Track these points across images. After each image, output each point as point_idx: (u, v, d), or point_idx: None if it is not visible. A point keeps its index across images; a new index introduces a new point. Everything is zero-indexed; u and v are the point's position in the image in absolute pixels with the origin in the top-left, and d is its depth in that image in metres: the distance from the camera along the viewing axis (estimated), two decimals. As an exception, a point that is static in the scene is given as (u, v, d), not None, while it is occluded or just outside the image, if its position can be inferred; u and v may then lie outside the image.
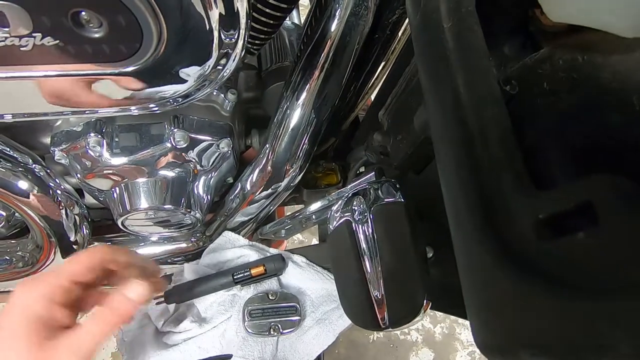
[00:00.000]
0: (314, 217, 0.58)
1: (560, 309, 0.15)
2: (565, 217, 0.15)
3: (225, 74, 0.38)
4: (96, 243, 0.70)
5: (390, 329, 0.38)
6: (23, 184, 0.53)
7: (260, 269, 0.50)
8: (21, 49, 0.30)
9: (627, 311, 0.13)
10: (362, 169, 0.62)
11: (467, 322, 0.23)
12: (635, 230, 0.14)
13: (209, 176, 0.60)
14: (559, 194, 0.16)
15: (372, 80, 0.56)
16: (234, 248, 0.59)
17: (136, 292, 0.36)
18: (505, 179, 0.18)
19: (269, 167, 0.56)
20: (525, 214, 0.17)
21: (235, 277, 0.49)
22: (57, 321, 0.33)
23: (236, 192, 0.60)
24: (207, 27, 0.32)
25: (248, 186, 0.59)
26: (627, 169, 0.18)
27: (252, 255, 0.56)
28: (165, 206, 0.56)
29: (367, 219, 0.41)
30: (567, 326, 0.15)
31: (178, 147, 0.52)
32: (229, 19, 0.32)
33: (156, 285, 0.40)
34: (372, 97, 0.59)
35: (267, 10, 0.43)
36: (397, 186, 0.41)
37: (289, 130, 0.53)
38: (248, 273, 0.50)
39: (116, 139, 0.52)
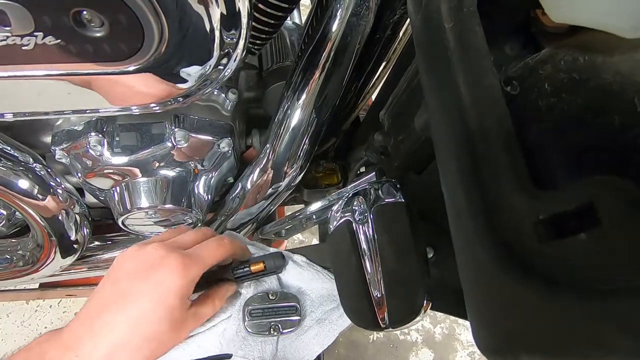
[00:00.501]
0: (314, 217, 0.58)
1: (560, 310, 0.15)
2: (566, 218, 0.15)
3: (226, 74, 0.38)
4: (96, 242, 0.70)
5: (390, 329, 0.38)
6: (24, 183, 0.53)
7: (260, 266, 0.50)
8: (22, 48, 0.30)
9: (627, 313, 0.13)
10: (362, 169, 0.62)
11: (467, 323, 0.23)
12: (635, 232, 0.14)
13: (210, 176, 0.60)
14: (560, 195, 0.16)
15: (373, 81, 0.56)
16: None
17: (232, 290, 0.50)
18: (506, 180, 0.18)
19: (270, 167, 0.56)
20: (525, 215, 0.17)
21: (235, 273, 0.49)
22: (189, 294, 0.41)
23: (237, 191, 0.60)
24: (209, 27, 0.32)
25: (248, 186, 0.59)
26: (628, 171, 0.18)
27: (254, 254, 0.56)
28: (166, 206, 0.56)
29: (368, 219, 0.41)
30: (567, 328, 0.15)
31: (179, 146, 0.52)
32: (230, 19, 0.32)
33: None
34: (373, 97, 0.59)
35: (269, 10, 0.43)
36: (398, 186, 0.41)
37: (290, 130, 0.53)
38: (248, 269, 0.50)
39: (117, 138, 0.52)
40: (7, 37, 0.29)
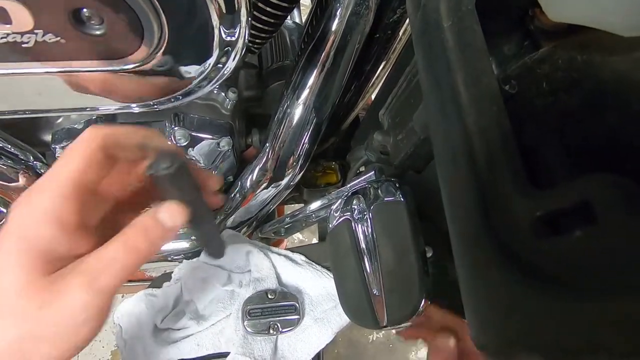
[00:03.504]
0: (313, 216, 0.58)
1: (556, 308, 0.15)
2: (562, 216, 0.15)
3: (225, 72, 0.38)
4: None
5: (389, 328, 0.38)
6: (24, 181, 0.53)
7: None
8: (23, 45, 0.30)
9: (623, 312, 0.13)
10: (362, 168, 0.62)
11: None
12: (633, 230, 0.14)
13: (209, 174, 0.60)
14: (557, 193, 0.16)
15: (373, 80, 0.56)
16: (234, 245, 0.59)
17: (170, 215, 0.27)
18: (503, 178, 0.18)
19: (269, 166, 0.56)
20: (522, 213, 0.17)
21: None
22: (65, 246, 0.24)
23: (236, 190, 0.60)
24: (208, 25, 0.32)
25: (248, 185, 0.59)
26: (625, 169, 0.18)
27: (253, 253, 0.56)
28: (166, 204, 0.56)
29: (367, 218, 0.41)
30: (563, 326, 0.15)
31: (178, 145, 0.53)
32: (230, 17, 0.32)
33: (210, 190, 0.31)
34: (373, 96, 0.59)
35: (269, 9, 0.43)
36: (397, 185, 0.41)
37: (290, 129, 0.53)
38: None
39: (117, 137, 0.52)
40: (8, 34, 0.29)
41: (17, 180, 0.52)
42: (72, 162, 0.25)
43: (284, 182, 0.58)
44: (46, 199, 0.23)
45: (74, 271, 0.24)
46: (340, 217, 0.43)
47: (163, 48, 0.33)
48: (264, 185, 0.58)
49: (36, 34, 0.30)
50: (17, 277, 0.23)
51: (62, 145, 0.52)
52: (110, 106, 0.40)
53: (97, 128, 0.26)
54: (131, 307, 0.56)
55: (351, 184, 0.49)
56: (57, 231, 0.23)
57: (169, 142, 0.30)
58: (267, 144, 0.55)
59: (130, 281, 0.81)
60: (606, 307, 0.14)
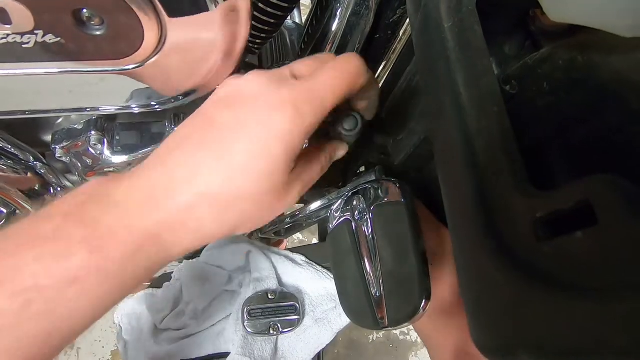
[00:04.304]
0: (314, 216, 0.58)
1: (557, 308, 0.15)
2: (563, 217, 0.15)
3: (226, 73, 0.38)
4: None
5: (389, 329, 0.38)
6: (24, 182, 0.53)
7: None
8: (23, 46, 0.30)
9: (624, 311, 0.13)
10: (362, 169, 0.62)
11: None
12: (633, 230, 0.14)
13: (210, 175, 0.60)
14: (558, 194, 0.16)
15: (373, 80, 0.56)
16: (234, 245, 0.59)
17: (337, 153, 0.37)
18: (504, 178, 0.18)
19: (270, 166, 0.56)
20: (523, 214, 0.17)
21: (345, 126, 0.34)
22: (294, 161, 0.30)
23: (236, 191, 0.60)
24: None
25: (248, 185, 0.59)
26: (625, 168, 0.18)
27: (253, 254, 0.56)
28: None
29: (367, 218, 0.41)
30: (564, 326, 0.15)
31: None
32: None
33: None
34: (373, 96, 0.59)
35: (269, 9, 0.43)
36: (397, 186, 0.41)
37: (290, 129, 0.53)
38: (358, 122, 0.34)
39: (117, 137, 0.52)
40: (8, 35, 0.29)
41: (16, 180, 0.52)
42: (339, 91, 0.29)
43: (284, 182, 0.58)
44: (305, 124, 0.28)
45: (296, 181, 0.32)
46: (340, 218, 0.43)
47: (164, 48, 0.33)
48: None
49: (36, 34, 0.30)
50: (279, 178, 0.28)
51: (62, 145, 0.52)
52: (110, 106, 0.40)
53: (354, 73, 0.29)
54: (131, 307, 0.56)
55: (351, 184, 0.49)
56: (304, 138, 0.29)
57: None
58: (268, 144, 0.55)
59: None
60: (606, 306, 0.14)
